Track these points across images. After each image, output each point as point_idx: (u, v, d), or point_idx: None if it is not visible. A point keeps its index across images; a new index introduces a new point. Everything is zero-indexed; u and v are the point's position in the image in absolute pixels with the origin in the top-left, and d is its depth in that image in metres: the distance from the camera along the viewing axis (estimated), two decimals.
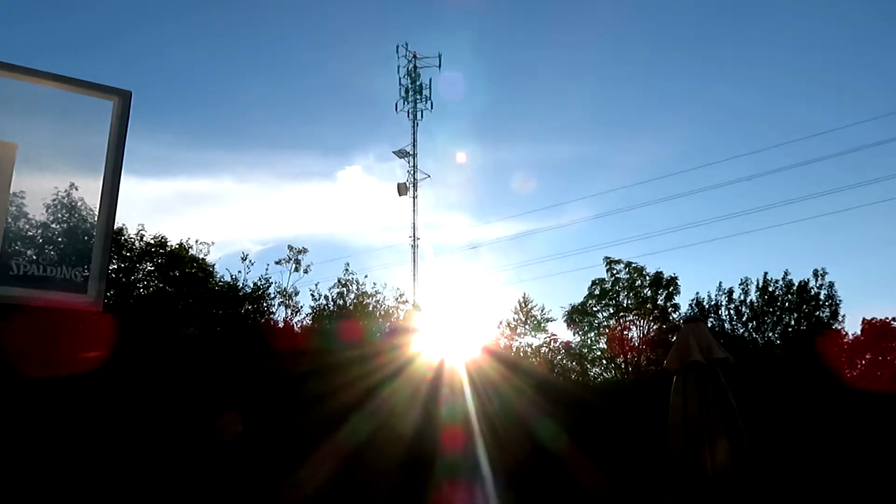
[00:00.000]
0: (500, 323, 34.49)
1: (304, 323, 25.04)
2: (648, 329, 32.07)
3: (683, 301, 31.54)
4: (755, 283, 28.43)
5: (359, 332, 21.13)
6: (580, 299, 34.12)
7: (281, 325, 24.17)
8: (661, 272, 32.21)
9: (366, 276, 26.66)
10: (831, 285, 23.11)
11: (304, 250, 26.34)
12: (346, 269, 27.72)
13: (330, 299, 25.78)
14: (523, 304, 35.70)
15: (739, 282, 28.82)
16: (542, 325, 35.84)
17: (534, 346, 34.02)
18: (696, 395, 6.22)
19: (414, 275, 35.26)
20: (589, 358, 34.12)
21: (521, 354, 33.76)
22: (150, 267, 20.56)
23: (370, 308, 26.01)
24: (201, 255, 23.09)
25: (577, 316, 34.65)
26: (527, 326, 36.20)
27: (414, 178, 37.36)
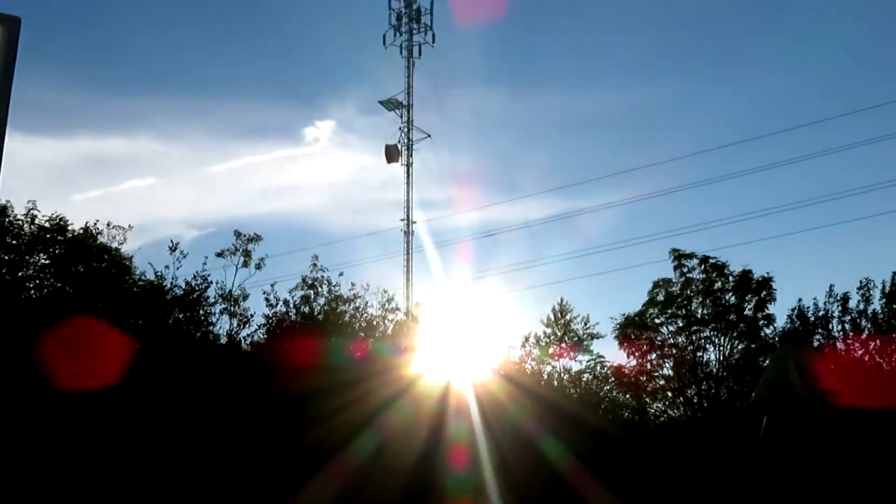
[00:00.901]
0: (526, 339, 35.17)
1: (256, 338, 25.53)
2: (731, 349, 31.90)
3: (780, 311, 31.42)
4: (880, 287, 28.26)
5: (327, 353, 22.76)
6: (637, 308, 34.76)
7: (223, 340, 24.71)
8: (749, 271, 32.04)
9: (341, 275, 26.86)
10: None
11: (257, 238, 26.98)
12: (315, 265, 27.81)
13: (291, 305, 26.06)
14: (559, 314, 36.80)
15: (858, 285, 28.48)
16: (585, 342, 37.09)
17: (573, 372, 35.43)
18: (795, 437, 6.16)
19: (407, 272, 36.90)
20: (648, 388, 34.43)
21: (555, 382, 34.49)
22: (43, 259, 20.36)
23: (347, 318, 26.34)
24: (114, 244, 23.27)
25: (633, 331, 34.88)
26: (564, 344, 37.54)
27: (408, 139, 37.50)
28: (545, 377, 33.94)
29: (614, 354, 36.52)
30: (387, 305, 27.28)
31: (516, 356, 33.16)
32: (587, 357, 34.98)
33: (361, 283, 27.17)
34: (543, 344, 35.09)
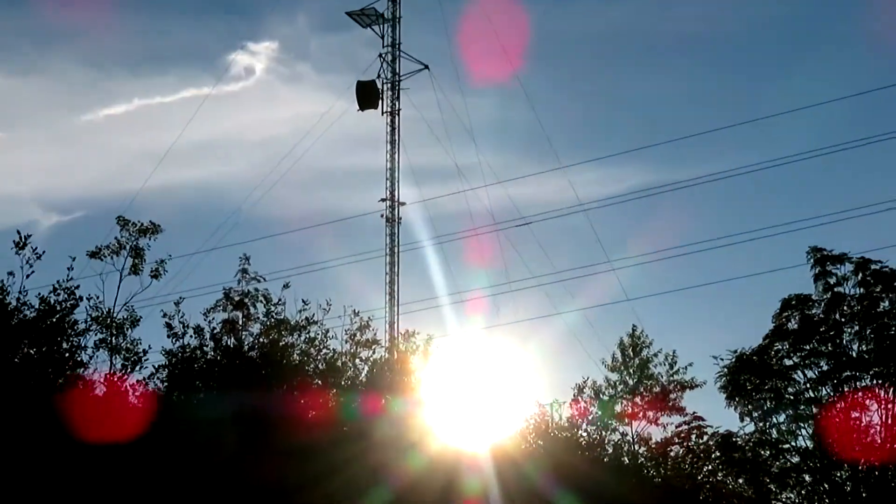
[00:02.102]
0: (580, 390, 35.59)
1: (152, 386, 26.08)
2: None
3: None
4: None
5: (262, 414, 23.74)
6: (754, 341, 35.14)
7: (100, 389, 24.97)
8: None
9: (286, 287, 27.60)
10: None
11: (154, 228, 27.59)
12: (244, 271, 28.21)
13: (208, 335, 26.53)
14: (630, 350, 37.88)
15: None
16: (674, 395, 37.83)
17: (656, 442, 35.65)
18: None
19: (391, 283, 36.59)
20: (774, 469, 34.54)
21: (626, 458, 34.97)
22: None
23: (296, 356, 27.03)
24: None
25: (749, 378, 35.07)
26: (640, 398, 37.83)
27: (394, 72, 37.71)
28: (609, 449, 34.35)
29: (720, 414, 37.15)
30: (359, 336, 27.68)
31: (563, 415, 34.04)
32: (677, 418, 36.28)
33: (319, 301, 27.55)
34: (607, 397, 36.27)
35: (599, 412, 35.62)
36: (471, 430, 29.40)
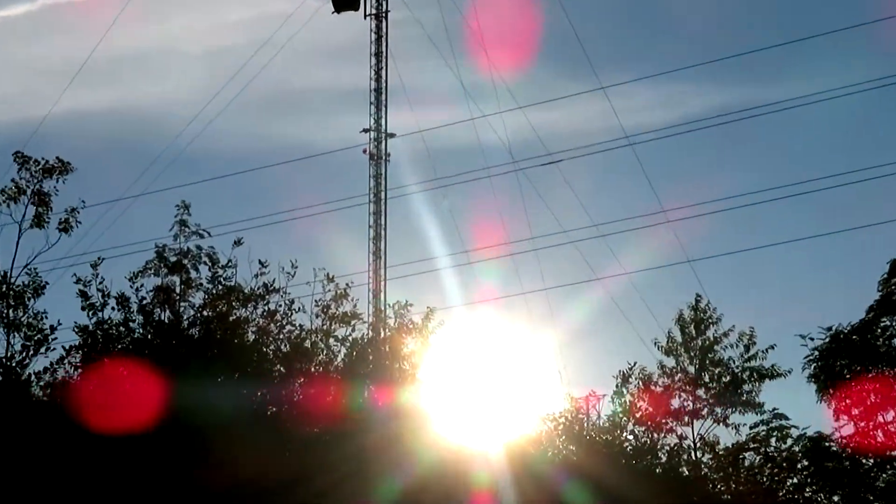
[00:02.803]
0: (625, 378, 35.58)
1: (62, 374, 26.70)
2: None
3: None
4: None
5: (208, 408, 24.10)
6: (855, 315, 34.34)
7: None
8: None
9: (238, 244, 28.32)
10: None
11: (64, 167, 28.51)
12: (182, 224, 28.55)
13: (135, 307, 27.12)
14: (692, 328, 38.08)
15: None
16: (749, 387, 37.31)
17: (724, 448, 35.95)
18: None
19: (377, 238, 37.69)
20: (881, 480, 34.37)
21: (686, 469, 35.51)
22: None
23: (250, 333, 27.67)
24: None
25: (846, 364, 34.98)
26: (704, 390, 38.23)
27: None
28: (663, 457, 34.74)
29: (808, 411, 36.98)
30: (334, 308, 28.22)
31: (601, 413, 34.33)
32: (752, 417, 36.71)
33: (281, 263, 28.09)
34: (661, 387, 36.83)
35: (650, 409, 35.90)
36: (482, 430, 30.49)
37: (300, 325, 28.02)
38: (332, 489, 24.02)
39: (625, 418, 35.49)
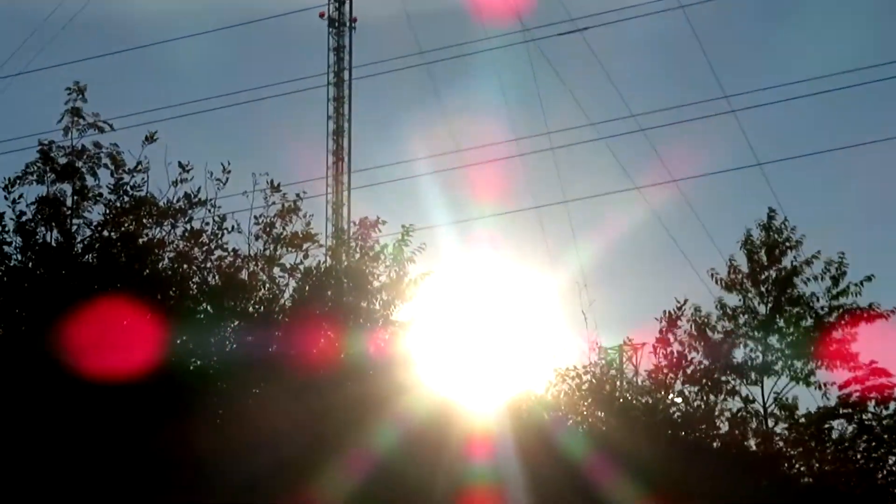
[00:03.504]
0: (675, 318, 35.24)
1: None
2: None
3: None
4: None
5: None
6: None
7: None
8: None
9: (150, 139, 28.06)
10: None
11: None
12: (75, 113, 28.28)
13: (9, 225, 26.68)
14: (766, 249, 38.53)
15: None
16: (838, 332, 36.93)
17: (803, 411, 36.82)
18: None
19: (337, 130, 38.83)
20: None
21: (755, 433, 35.69)
22: None
23: (167, 261, 27.78)
24: None
25: None
26: (781, 338, 38.10)
27: None
28: (723, 426, 34.86)
29: None
30: (280, 227, 28.57)
31: (640, 369, 34.20)
32: (843, 373, 36.90)
33: (209, 167, 28.09)
34: (720, 333, 37.14)
35: (706, 362, 36.05)
36: (478, 387, 31.03)
37: (234, 251, 28.08)
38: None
39: (671, 375, 35.20)
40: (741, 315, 37.69)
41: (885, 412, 36.34)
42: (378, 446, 25.44)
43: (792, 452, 36.05)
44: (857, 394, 36.65)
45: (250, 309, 27.68)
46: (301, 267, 28.41)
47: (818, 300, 37.99)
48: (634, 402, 34.28)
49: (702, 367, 35.89)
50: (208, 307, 27.54)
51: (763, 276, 37.93)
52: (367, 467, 24.91)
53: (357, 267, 29.34)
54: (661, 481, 28.71)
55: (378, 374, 27.46)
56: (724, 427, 35.40)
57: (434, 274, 29.68)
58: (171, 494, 23.19)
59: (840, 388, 36.95)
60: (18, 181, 27.38)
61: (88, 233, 27.57)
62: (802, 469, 35.67)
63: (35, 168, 27.72)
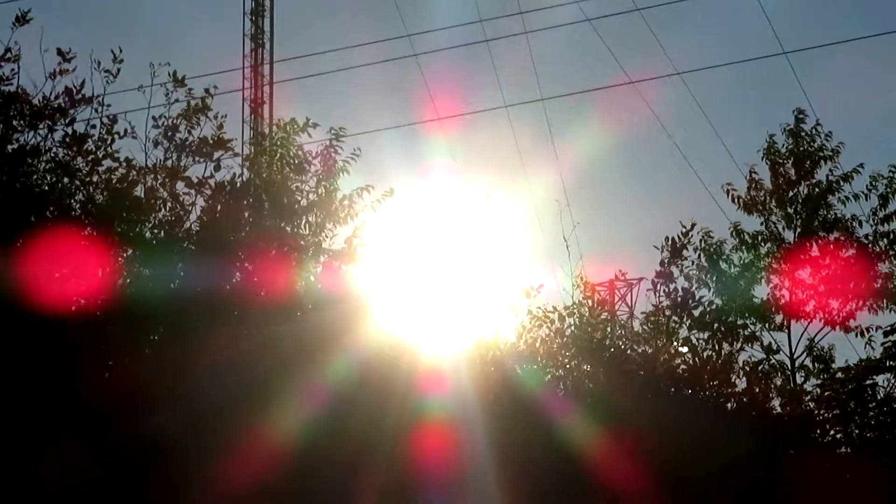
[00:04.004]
0: (681, 244, 34.85)
1: None
2: None
3: None
4: None
5: None
6: None
7: None
8: None
9: (22, 20, 28.32)
10: None
11: None
12: None
13: None
14: (794, 160, 38.79)
15: None
16: (886, 265, 37.62)
17: (842, 364, 36.37)
18: None
19: (257, 9, 40.07)
20: None
21: (781, 392, 35.31)
22: None
23: (42, 171, 27.80)
24: None
25: None
26: (814, 272, 37.49)
27: None
28: (740, 382, 34.83)
29: None
30: (184, 130, 28.67)
31: (635, 310, 33.74)
32: (891, 315, 37.13)
33: (95, 54, 27.97)
34: (737, 264, 37.06)
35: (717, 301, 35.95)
36: (435, 325, 31.87)
37: (128, 161, 28.09)
38: None
39: (675, 318, 34.91)
40: (763, 243, 37.40)
41: None
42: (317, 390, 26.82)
43: (826, 415, 35.58)
44: None
45: (147, 234, 27.86)
46: (211, 181, 28.53)
47: (860, 225, 37.91)
48: (629, 352, 34.06)
49: (713, 307, 35.81)
50: (90, 231, 27.51)
51: (790, 194, 37.75)
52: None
53: (281, 182, 29.48)
54: (661, 448, 28.83)
55: (307, 314, 28.04)
56: (742, 383, 34.89)
57: (375, 189, 29.82)
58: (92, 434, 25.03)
59: (886, 334, 36.28)
60: None
61: None
62: (839, 436, 35.39)
63: None
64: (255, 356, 26.79)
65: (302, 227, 28.93)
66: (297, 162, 29.23)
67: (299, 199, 29.07)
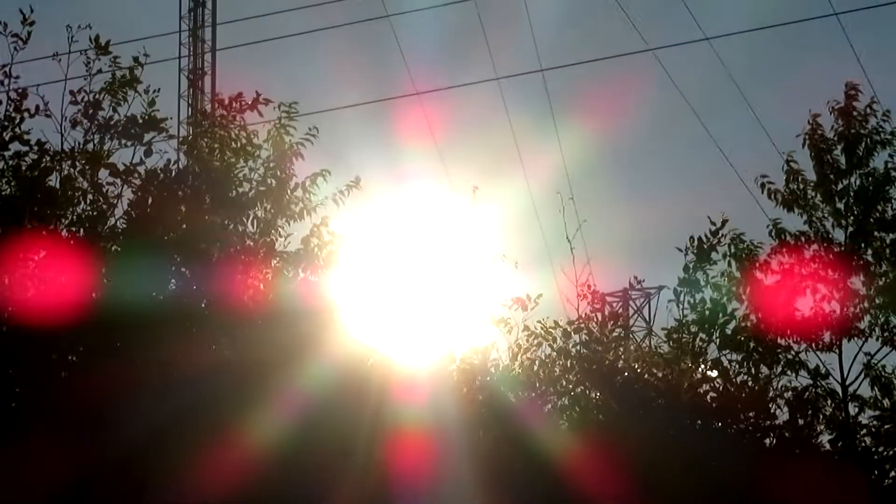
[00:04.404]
0: (710, 244, 34.74)
1: None
2: None
3: None
4: None
5: None
6: None
7: None
8: None
9: None
10: None
11: None
12: None
13: None
14: (844, 144, 38.63)
15: None
16: None
17: None
18: None
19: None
20: None
21: (826, 422, 35.22)
22: None
23: None
24: None
25: None
26: (867, 280, 37.33)
27: None
28: (780, 406, 34.76)
29: None
30: (110, 109, 28.89)
31: (653, 325, 33.43)
32: None
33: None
34: (776, 271, 36.18)
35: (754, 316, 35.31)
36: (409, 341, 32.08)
37: (40, 144, 28.33)
38: None
39: (701, 335, 34.66)
40: (807, 245, 36.91)
41: None
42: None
43: (886, 453, 35.40)
44: None
45: (63, 231, 28.10)
46: (141, 169, 28.77)
47: None
48: (647, 376, 33.79)
49: (748, 322, 35.30)
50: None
51: (840, 187, 37.12)
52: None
53: (225, 169, 29.48)
54: (686, 493, 29.18)
55: (254, 329, 28.36)
56: (783, 414, 35.04)
57: (337, 177, 30.15)
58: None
59: None
60: None
61: None
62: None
63: None
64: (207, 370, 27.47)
65: (249, 223, 29.11)
66: (239, 145, 29.25)
67: (247, 189, 29.16)
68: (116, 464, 27.69)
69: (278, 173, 29.21)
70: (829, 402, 35.55)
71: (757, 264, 36.07)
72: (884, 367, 35.93)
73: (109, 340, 27.12)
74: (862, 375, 36.07)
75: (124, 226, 27.98)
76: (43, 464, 27.12)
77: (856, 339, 36.08)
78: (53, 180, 27.80)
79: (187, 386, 27.62)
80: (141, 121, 28.09)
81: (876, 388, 35.81)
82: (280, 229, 29.40)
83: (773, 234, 36.59)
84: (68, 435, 26.84)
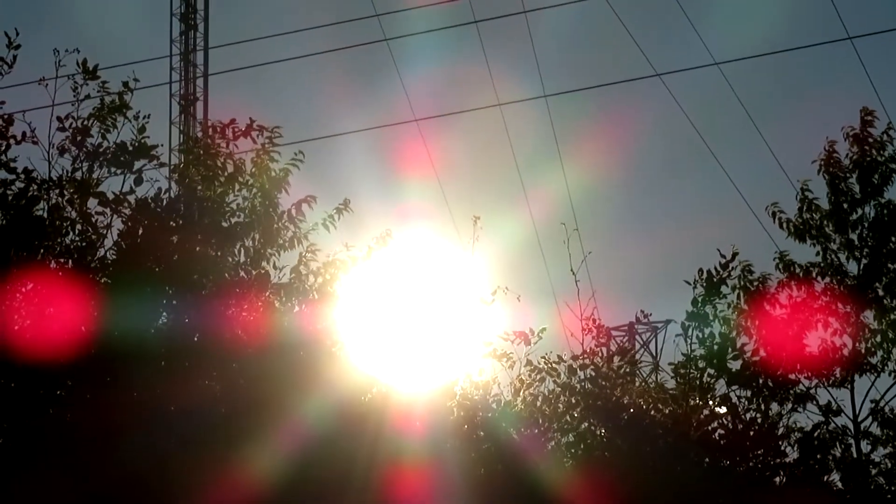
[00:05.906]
0: (720, 277, 34.89)
1: None
2: None
3: None
4: None
5: None
6: None
7: None
8: None
9: None
10: None
11: None
12: None
13: None
14: (861, 166, 38.70)
15: None
16: None
17: None
18: None
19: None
20: None
21: (842, 465, 35.33)
22: None
23: None
24: None
25: None
26: (887, 312, 37.35)
27: None
28: (790, 447, 34.90)
29: None
30: (99, 136, 28.84)
31: (659, 360, 33.53)
32: None
33: None
34: (787, 305, 36.12)
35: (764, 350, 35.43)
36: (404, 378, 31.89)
37: (27, 172, 28.31)
38: None
39: (710, 371, 34.78)
40: (819, 277, 37.11)
41: None
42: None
43: None
44: None
45: (52, 263, 28.08)
46: (131, 198, 28.71)
47: None
48: (654, 412, 33.88)
49: (758, 357, 35.39)
50: None
51: (854, 217, 37.30)
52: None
53: (216, 198, 29.60)
54: None
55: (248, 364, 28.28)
56: (793, 453, 35.17)
57: (325, 203, 30.15)
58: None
59: None
60: None
61: None
62: None
63: None
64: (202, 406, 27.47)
65: (239, 254, 29.22)
66: (226, 173, 29.44)
67: (239, 219, 29.26)
68: (107, 501, 27.32)
69: (265, 200, 29.30)
70: (840, 440, 35.70)
71: (766, 297, 36.25)
72: (892, 409, 36.11)
73: (99, 375, 27.09)
74: (872, 413, 36.31)
75: (114, 257, 28.03)
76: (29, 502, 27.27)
77: (868, 374, 36.30)
78: (41, 210, 27.78)
79: (180, 421, 27.67)
80: (131, 148, 28.07)
81: (886, 431, 36.03)
82: (273, 259, 29.41)
83: (780, 266, 36.73)
84: (54, 472, 26.49)
